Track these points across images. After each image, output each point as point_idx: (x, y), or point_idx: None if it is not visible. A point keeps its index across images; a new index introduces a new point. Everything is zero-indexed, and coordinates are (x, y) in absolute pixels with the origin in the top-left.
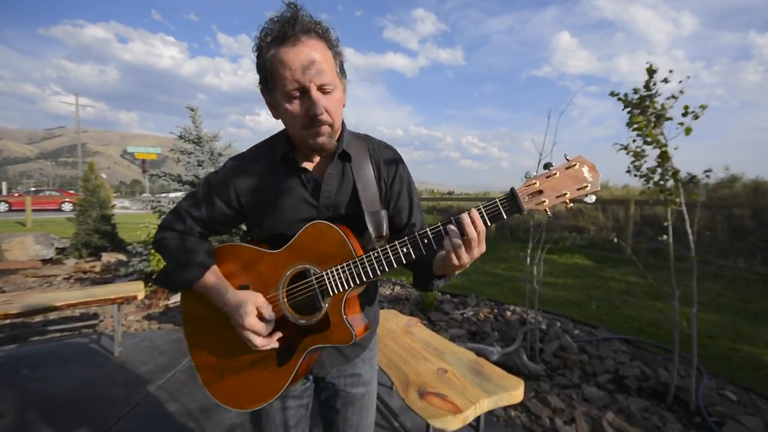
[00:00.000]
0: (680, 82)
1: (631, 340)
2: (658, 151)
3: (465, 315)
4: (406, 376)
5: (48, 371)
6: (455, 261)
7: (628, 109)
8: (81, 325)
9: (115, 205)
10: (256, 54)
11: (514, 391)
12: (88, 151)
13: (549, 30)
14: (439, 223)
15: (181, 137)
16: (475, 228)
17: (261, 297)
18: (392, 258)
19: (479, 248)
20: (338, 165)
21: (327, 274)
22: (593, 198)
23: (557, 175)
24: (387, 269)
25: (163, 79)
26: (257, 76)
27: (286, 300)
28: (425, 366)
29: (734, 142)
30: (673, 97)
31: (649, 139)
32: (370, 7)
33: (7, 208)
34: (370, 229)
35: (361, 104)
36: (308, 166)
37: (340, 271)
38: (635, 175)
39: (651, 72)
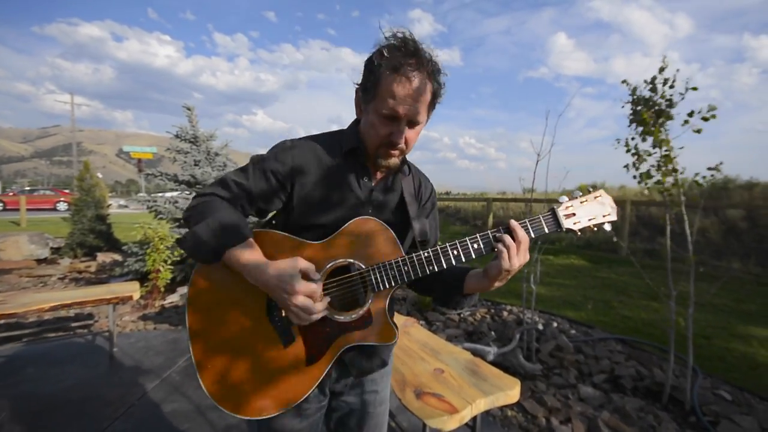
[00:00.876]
0: (687, 82)
1: (627, 340)
2: (657, 152)
3: (462, 315)
4: (402, 376)
5: (42, 372)
6: (506, 264)
7: (634, 105)
8: (76, 325)
9: (110, 204)
10: (374, 60)
11: (511, 391)
12: (84, 150)
13: (545, 31)
14: (493, 230)
15: (177, 136)
16: (520, 235)
17: (301, 259)
18: (442, 257)
19: (525, 255)
20: (392, 176)
21: (374, 269)
22: (610, 227)
23: (587, 201)
24: (436, 269)
25: (158, 78)
26: (258, 77)
27: (322, 294)
28: (422, 366)
29: (728, 143)
30: (681, 94)
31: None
32: (368, 7)
33: (1, 208)
34: (416, 232)
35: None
36: (368, 165)
37: (388, 268)
38: (633, 177)
39: (662, 70)
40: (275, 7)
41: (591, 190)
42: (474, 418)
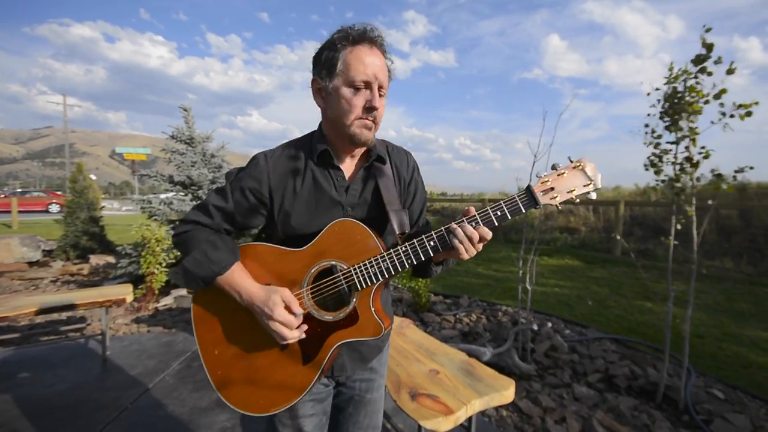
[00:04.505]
0: (732, 65)
1: (621, 339)
2: (674, 148)
3: (457, 316)
4: (398, 377)
5: (34, 376)
6: (464, 255)
7: (670, 97)
8: (68, 328)
9: (103, 206)
10: (326, 47)
11: (505, 392)
12: (76, 152)
13: (539, 33)
14: (459, 221)
15: (173, 137)
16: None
17: (288, 291)
18: (420, 252)
19: (478, 247)
20: (365, 169)
21: (355, 269)
22: (595, 195)
23: (566, 173)
24: (415, 263)
25: (151, 79)
26: (252, 78)
27: (311, 297)
28: (417, 367)
29: (719, 144)
30: (730, 70)
31: (686, 129)
32: (362, 8)
33: None
34: (395, 226)
35: None
36: (341, 165)
37: (368, 265)
38: (646, 167)
39: (708, 47)
40: (268, 8)
41: (571, 160)
42: (469, 419)
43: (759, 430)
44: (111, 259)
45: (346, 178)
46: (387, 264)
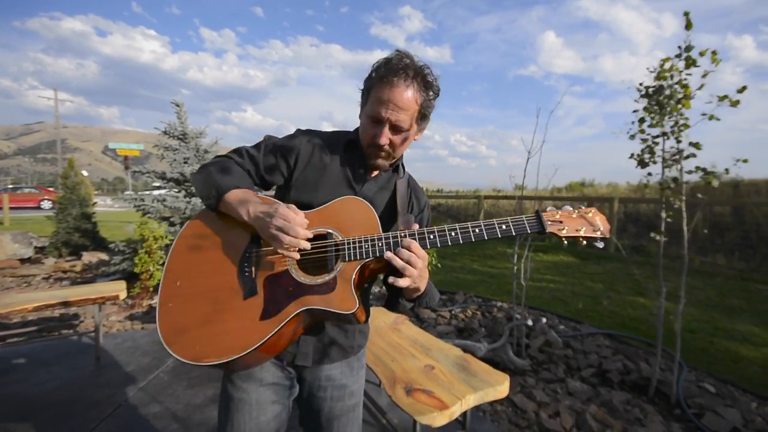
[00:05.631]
0: (714, 56)
1: (614, 334)
2: (661, 141)
3: (453, 312)
4: (393, 373)
5: (27, 373)
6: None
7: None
8: (61, 325)
9: (96, 202)
10: (371, 70)
11: (500, 387)
12: (68, 147)
13: (535, 29)
14: (467, 224)
15: (165, 133)
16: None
17: (293, 205)
18: (417, 240)
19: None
20: (388, 174)
21: (349, 241)
22: (602, 244)
23: (575, 215)
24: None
25: (144, 74)
26: (246, 73)
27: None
28: (412, 363)
29: (713, 141)
30: (714, 58)
31: (671, 122)
32: (357, 3)
33: None
34: (400, 224)
35: (348, 101)
36: (368, 161)
37: (363, 242)
38: (642, 163)
39: (688, 24)
40: (262, 2)
41: (583, 207)
42: (464, 414)
43: (750, 424)
44: (104, 256)
45: (368, 175)
46: (382, 245)
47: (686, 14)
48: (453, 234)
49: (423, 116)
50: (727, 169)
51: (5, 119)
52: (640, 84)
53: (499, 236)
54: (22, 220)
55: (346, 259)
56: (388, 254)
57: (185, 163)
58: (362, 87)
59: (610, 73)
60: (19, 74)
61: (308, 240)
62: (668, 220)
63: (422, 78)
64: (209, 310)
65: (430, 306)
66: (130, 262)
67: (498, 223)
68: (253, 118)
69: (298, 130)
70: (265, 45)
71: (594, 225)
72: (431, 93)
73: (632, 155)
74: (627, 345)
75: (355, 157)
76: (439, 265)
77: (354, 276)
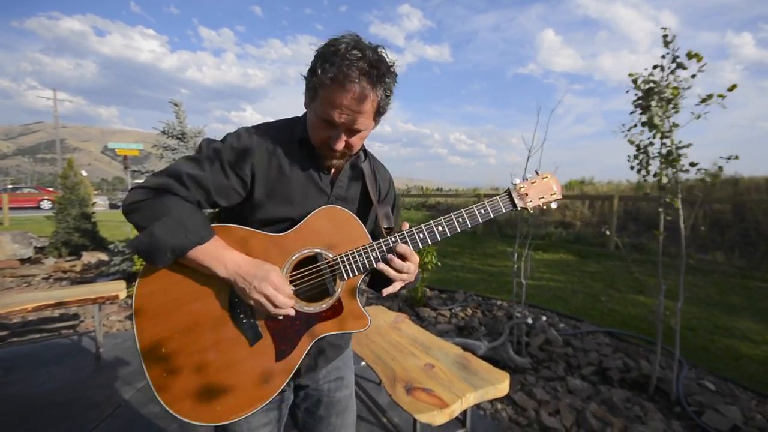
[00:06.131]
0: (702, 64)
1: (615, 332)
2: (658, 142)
3: (453, 311)
4: (393, 371)
5: (27, 373)
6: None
7: (643, 94)
8: (61, 325)
9: (95, 202)
10: (312, 67)
11: (500, 385)
12: (68, 147)
13: (534, 28)
14: (450, 215)
15: (164, 133)
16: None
17: (279, 270)
18: (409, 242)
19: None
20: (350, 162)
21: (342, 258)
22: (556, 205)
23: (536, 183)
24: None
25: (143, 74)
26: (245, 72)
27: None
28: (412, 361)
29: (713, 139)
30: (696, 74)
31: (661, 121)
32: (356, 2)
33: None
34: (380, 218)
35: None
36: (323, 162)
37: (357, 255)
38: (632, 166)
39: (666, 37)
40: (261, 1)
41: (538, 173)
42: (464, 412)
43: (750, 422)
44: (104, 257)
45: (331, 173)
46: (376, 254)
47: (664, 36)
48: (440, 228)
49: (380, 112)
50: (720, 167)
51: (4, 119)
52: (635, 95)
53: (480, 221)
54: (22, 220)
55: (345, 277)
56: (381, 266)
57: None
58: (305, 75)
59: (609, 71)
60: (17, 74)
61: (298, 264)
62: (668, 218)
63: (377, 73)
64: (217, 367)
65: (413, 286)
66: (130, 262)
67: (477, 209)
68: (253, 117)
69: (242, 132)
70: (263, 44)
71: (551, 189)
72: (389, 85)
73: (630, 159)
74: (627, 343)
75: (313, 156)
76: (439, 263)
77: (357, 293)
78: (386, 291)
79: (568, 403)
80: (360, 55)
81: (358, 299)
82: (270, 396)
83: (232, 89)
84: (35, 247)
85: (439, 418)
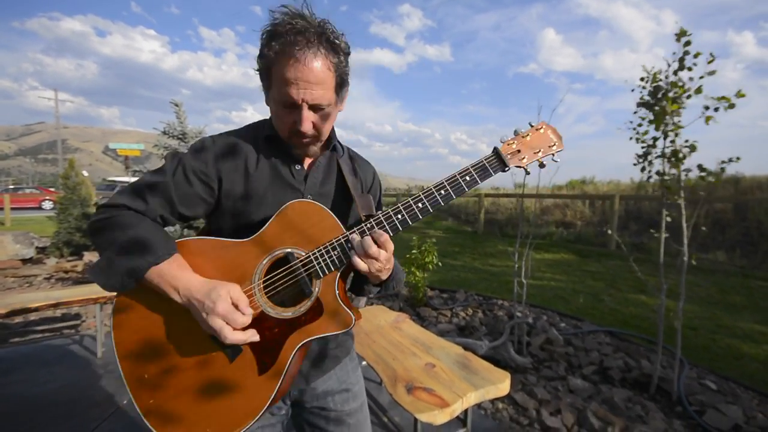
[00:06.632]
0: (711, 61)
1: (615, 332)
2: (662, 141)
3: (454, 310)
4: (394, 371)
5: (28, 373)
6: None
7: (651, 92)
8: (62, 325)
9: (96, 202)
10: (260, 51)
11: (501, 384)
12: (69, 148)
13: (535, 27)
14: (430, 188)
15: (165, 133)
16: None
17: (237, 287)
18: (386, 225)
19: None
20: (326, 156)
21: (315, 253)
22: (558, 159)
23: (529, 136)
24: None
25: (144, 74)
26: (246, 72)
27: (263, 294)
28: (413, 361)
29: (714, 138)
30: (709, 73)
31: (670, 125)
32: (356, 2)
33: None
34: (359, 207)
35: (349, 100)
36: (296, 152)
37: (330, 248)
38: (634, 164)
39: (682, 34)
40: (261, 1)
41: (532, 125)
42: (465, 412)
43: (751, 421)
44: None
45: (305, 167)
46: (351, 245)
47: (682, 33)
48: (420, 205)
49: (341, 83)
50: (722, 168)
51: (6, 120)
52: (642, 88)
53: (467, 190)
54: (24, 220)
55: (320, 275)
56: (356, 260)
57: None
58: (257, 67)
59: (610, 70)
60: (18, 75)
61: (270, 267)
62: (669, 218)
63: (326, 39)
64: (199, 389)
65: (396, 290)
66: None
67: (461, 176)
68: (254, 117)
69: (206, 140)
70: None
71: (548, 141)
72: (341, 52)
73: (639, 158)
74: (628, 342)
75: (282, 152)
76: (439, 263)
77: (337, 290)
78: (359, 293)
79: (569, 403)
80: (304, 23)
81: (338, 297)
82: (257, 412)
83: (233, 89)
84: (37, 248)
85: (440, 417)
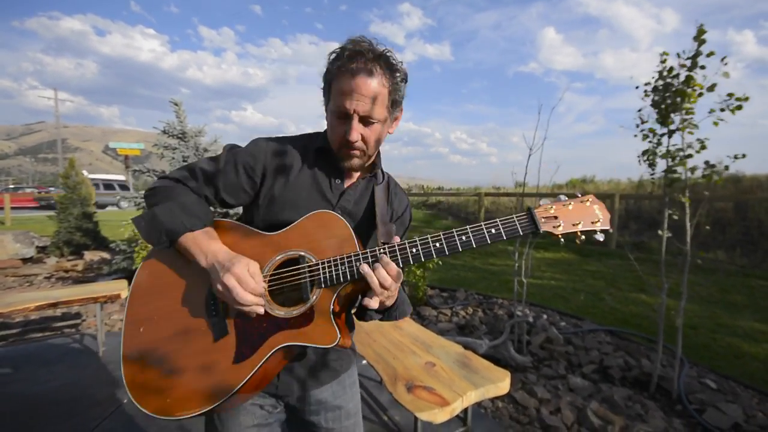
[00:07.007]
0: (724, 59)
1: (616, 331)
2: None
3: (454, 309)
4: (394, 370)
5: (29, 372)
6: (375, 283)
7: (661, 91)
8: (63, 324)
9: (96, 202)
10: (327, 67)
11: (501, 383)
12: (69, 147)
13: (535, 26)
14: (452, 231)
15: (164, 132)
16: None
17: (256, 264)
18: (399, 255)
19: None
20: (366, 179)
21: (323, 263)
22: (603, 237)
23: (571, 206)
24: (401, 265)
25: (144, 73)
26: (246, 71)
27: (266, 286)
28: (413, 360)
29: (714, 137)
30: (725, 74)
31: (677, 122)
32: (356, 1)
33: None
34: (379, 233)
35: None
36: (343, 164)
37: (339, 263)
38: (647, 163)
39: (701, 34)
40: (261, 0)
41: (578, 195)
42: (465, 410)
43: (751, 420)
44: (105, 255)
45: (344, 184)
46: (361, 263)
47: (701, 31)
48: (438, 245)
49: (394, 102)
50: (726, 166)
51: (6, 120)
52: (646, 84)
53: (489, 242)
54: (24, 219)
55: (322, 285)
56: (364, 268)
57: (185, 161)
58: (323, 85)
59: (611, 69)
60: (18, 74)
61: (280, 266)
62: (675, 217)
63: (385, 60)
64: (177, 357)
65: (398, 319)
66: (131, 260)
67: (486, 228)
68: (253, 116)
69: (260, 140)
70: (264, 43)
71: (593, 216)
72: (398, 75)
73: (643, 155)
74: (628, 341)
75: (328, 165)
76: (440, 262)
77: (332, 304)
78: (369, 303)
79: (569, 402)
80: (367, 45)
81: (332, 311)
82: (218, 399)
83: (233, 88)
84: (37, 247)
85: (440, 416)
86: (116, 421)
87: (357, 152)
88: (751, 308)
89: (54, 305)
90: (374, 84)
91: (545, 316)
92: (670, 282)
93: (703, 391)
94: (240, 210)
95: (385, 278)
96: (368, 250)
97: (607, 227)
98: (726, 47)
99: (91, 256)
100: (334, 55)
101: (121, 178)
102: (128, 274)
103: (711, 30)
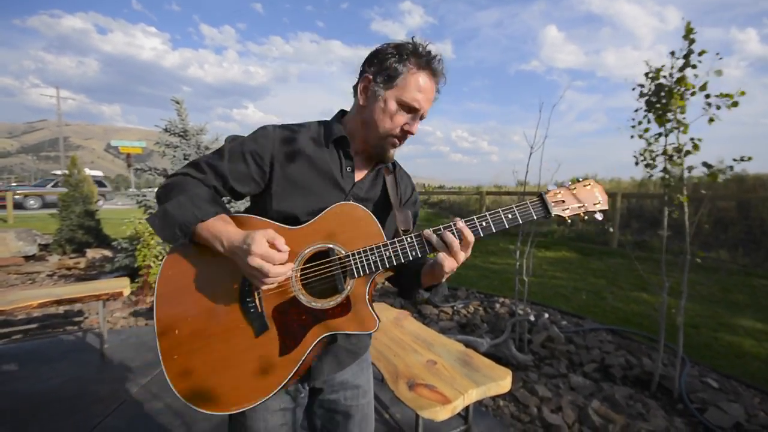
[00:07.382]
0: (718, 54)
1: (617, 330)
2: (664, 139)
3: (455, 308)
4: (395, 368)
5: (32, 370)
6: (450, 264)
7: (653, 91)
8: (66, 322)
9: (98, 200)
10: (394, 54)
11: (502, 381)
12: (71, 145)
13: (537, 24)
14: (472, 217)
15: (166, 130)
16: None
17: (270, 230)
18: (425, 244)
19: (467, 253)
20: (376, 168)
21: (354, 255)
22: (601, 216)
23: (575, 189)
24: (420, 255)
25: (145, 71)
26: (247, 69)
27: (299, 280)
28: (415, 358)
29: (717, 136)
30: (717, 72)
31: (673, 122)
32: None
33: None
34: (398, 221)
35: (350, 97)
36: (354, 156)
37: (369, 253)
38: (636, 160)
39: (689, 33)
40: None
41: (580, 179)
42: (466, 408)
43: (752, 419)
44: (107, 253)
45: (355, 172)
46: (390, 253)
47: (689, 30)
48: (477, 225)
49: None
50: (731, 167)
51: (8, 117)
52: (641, 86)
53: (507, 226)
54: (26, 217)
55: (355, 275)
56: (460, 223)
57: (186, 159)
58: (377, 67)
59: (612, 67)
60: (20, 72)
61: (309, 259)
62: (674, 216)
63: (443, 69)
64: (221, 355)
65: (442, 295)
66: (133, 258)
67: (504, 213)
68: (255, 114)
69: (268, 127)
70: (265, 41)
71: (594, 198)
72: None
73: (637, 156)
74: (629, 340)
75: (343, 154)
76: None
77: (367, 293)
78: (444, 267)
79: (570, 400)
80: (435, 51)
81: (367, 300)
82: (270, 391)
83: (234, 87)
84: (39, 245)
85: (442, 413)
86: (119, 418)
87: (401, 143)
88: (753, 307)
89: (56, 303)
90: (435, 92)
91: (546, 315)
92: (671, 281)
93: (704, 390)
94: (240, 209)
95: (453, 243)
96: (395, 240)
97: (606, 207)
98: (728, 45)
99: (93, 253)
100: (404, 51)
101: (99, 173)
102: (130, 272)
103: (713, 28)
